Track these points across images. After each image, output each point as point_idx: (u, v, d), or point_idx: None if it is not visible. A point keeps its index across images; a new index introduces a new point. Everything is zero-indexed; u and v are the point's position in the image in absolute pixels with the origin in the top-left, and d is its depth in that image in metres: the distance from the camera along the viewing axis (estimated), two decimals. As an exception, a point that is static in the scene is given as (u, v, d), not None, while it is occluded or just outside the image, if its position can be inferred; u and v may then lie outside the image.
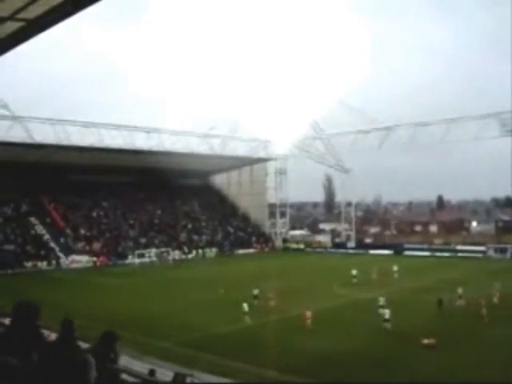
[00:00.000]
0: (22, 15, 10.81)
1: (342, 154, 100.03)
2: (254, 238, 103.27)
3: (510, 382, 22.86)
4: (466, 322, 35.30)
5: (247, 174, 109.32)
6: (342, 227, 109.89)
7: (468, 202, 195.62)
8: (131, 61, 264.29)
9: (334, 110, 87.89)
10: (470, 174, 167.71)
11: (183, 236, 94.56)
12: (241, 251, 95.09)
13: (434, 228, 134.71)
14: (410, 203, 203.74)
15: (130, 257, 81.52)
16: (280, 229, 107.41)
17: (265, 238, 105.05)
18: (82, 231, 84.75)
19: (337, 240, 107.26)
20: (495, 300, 39.41)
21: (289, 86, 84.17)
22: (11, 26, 11.61)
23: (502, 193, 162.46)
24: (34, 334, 5.11)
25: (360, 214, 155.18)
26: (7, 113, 70.29)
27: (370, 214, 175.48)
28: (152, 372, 14.71)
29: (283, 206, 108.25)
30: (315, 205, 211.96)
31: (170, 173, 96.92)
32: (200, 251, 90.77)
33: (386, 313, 34.03)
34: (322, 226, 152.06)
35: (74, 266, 75.31)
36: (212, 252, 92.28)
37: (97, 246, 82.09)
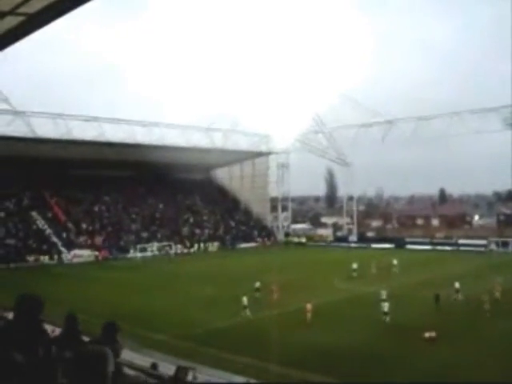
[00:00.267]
0: (23, 10, 10.79)
1: (343, 147, 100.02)
2: (255, 232, 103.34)
3: (510, 382, 22.82)
4: (467, 316, 35.28)
5: (249, 167, 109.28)
6: (343, 221, 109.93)
7: (470, 195, 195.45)
8: (131, 56, 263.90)
9: (335, 103, 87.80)
10: (472, 167, 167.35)
11: (185, 230, 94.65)
12: (243, 245, 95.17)
13: (435, 222, 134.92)
14: (412, 197, 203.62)
15: (131, 251, 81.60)
16: (282, 223, 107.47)
17: (267, 232, 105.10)
18: (84, 225, 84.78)
19: (338, 234, 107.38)
20: (497, 294, 39.25)
21: (291, 80, 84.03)
22: (11, 21, 11.59)
23: (503, 186, 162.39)
24: (39, 329, 5.03)
25: (362, 207, 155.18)
26: (8, 107, 70.26)
27: (372, 208, 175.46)
28: (154, 366, 14.78)
29: (285, 199, 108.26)
30: (317, 199, 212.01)
31: (171, 167, 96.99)
32: (202, 245, 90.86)
33: (385, 306, 34.14)
34: (323, 219, 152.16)
35: (75, 260, 75.39)
36: (214, 246, 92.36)
37: (99, 240, 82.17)
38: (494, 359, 25.53)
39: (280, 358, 24.49)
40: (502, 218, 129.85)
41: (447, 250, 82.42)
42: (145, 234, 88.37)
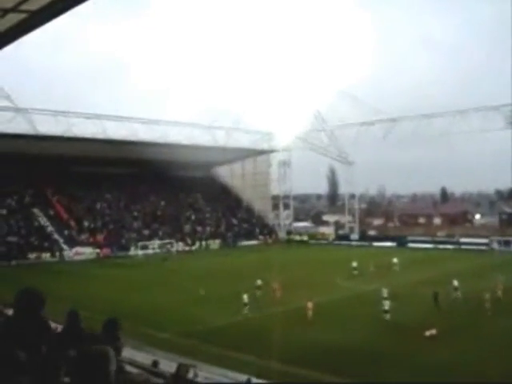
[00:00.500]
0: (25, 7, 10.80)
1: (345, 145, 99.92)
2: (257, 230, 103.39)
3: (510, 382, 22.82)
4: (468, 314, 35.22)
5: (251, 165, 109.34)
6: (345, 219, 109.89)
7: (472, 194, 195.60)
8: (134, 53, 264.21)
9: (337, 101, 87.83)
10: (474, 166, 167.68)
11: (187, 228, 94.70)
12: (244, 243, 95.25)
13: (437, 220, 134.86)
14: (414, 195, 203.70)
15: (132, 248, 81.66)
16: (283, 220, 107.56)
17: (268, 230, 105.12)
18: (86, 223, 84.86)
19: (340, 232, 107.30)
20: (499, 293, 39.16)
21: (292, 78, 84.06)
22: (14, 18, 11.60)
23: (506, 185, 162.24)
24: (41, 325, 4.94)
25: (364, 206, 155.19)
26: (10, 104, 70.30)
27: (374, 206, 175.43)
28: (155, 363, 14.76)
29: (287, 197, 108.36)
30: (319, 197, 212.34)
31: (173, 164, 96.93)
32: (203, 243, 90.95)
33: (386, 304, 34.16)
34: (325, 217, 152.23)
35: (77, 257, 75.51)
36: (216, 244, 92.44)
37: (100, 237, 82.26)
38: (495, 357, 25.50)
39: (281, 355, 24.54)
40: (504, 216, 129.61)
41: (449, 249, 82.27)
42: (146, 232, 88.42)
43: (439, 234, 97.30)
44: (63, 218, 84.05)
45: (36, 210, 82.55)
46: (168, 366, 13.98)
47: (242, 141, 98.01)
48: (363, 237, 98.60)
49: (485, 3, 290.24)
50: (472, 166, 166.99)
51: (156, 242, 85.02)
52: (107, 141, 78.56)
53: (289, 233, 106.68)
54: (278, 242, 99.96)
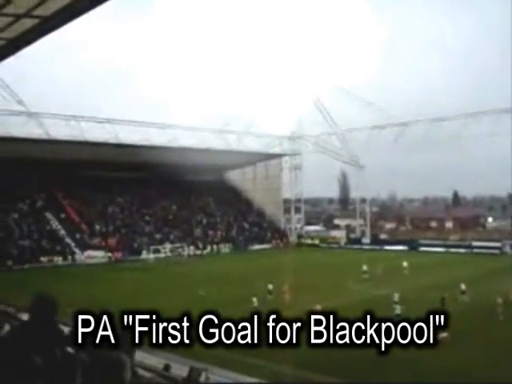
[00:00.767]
0: (38, 12, 10.88)
1: (356, 149, 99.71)
2: (268, 234, 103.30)
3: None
4: (479, 319, 34.99)
5: (262, 169, 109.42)
6: (356, 223, 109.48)
7: (484, 197, 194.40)
8: (144, 58, 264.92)
9: (349, 105, 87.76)
10: (486, 169, 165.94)
11: (198, 231, 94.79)
12: (256, 247, 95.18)
13: (449, 224, 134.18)
14: (426, 199, 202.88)
15: (144, 252, 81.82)
16: (295, 224, 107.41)
17: (280, 234, 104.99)
18: (97, 227, 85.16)
19: (352, 236, 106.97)
20: (511, 297, 38.86)
21: (304, 83, 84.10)
22: (26, 23, 11.69)
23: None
24: (55, 330, 4.89)
25: (375, 209, 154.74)
26: (23, 109, 70.73)
27: (385, 210, 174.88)
28: (167, 367, 14.77)
29: (298, 201, 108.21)
30: (330, 200, 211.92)
31: (184, 168, 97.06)
32: (215, 247, 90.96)
33: (398, 308, 34.10)
34: (336, 221, 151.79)
35: (89, 261, 75.75)
36: (227, 247, 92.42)
37: (112, 241, 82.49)
38: (508, 362, 25.36)
39: (291, 359, 24.50)
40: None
41: (461, 253, 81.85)
42: (158, 236, 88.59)
43: (451, 237, 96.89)
44: (75, 221, 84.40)
45: (48, 214, 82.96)
46: (180, 369, 14.00)
47: (254, 145, 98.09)
48: (375, 240, 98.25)
49: (497, 5, 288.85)
50: (483, 170, 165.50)
51: (167, 246, 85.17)
52: (118, 145, 78.86)
53: (300, 236, 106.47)
54: (290, 245, 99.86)
